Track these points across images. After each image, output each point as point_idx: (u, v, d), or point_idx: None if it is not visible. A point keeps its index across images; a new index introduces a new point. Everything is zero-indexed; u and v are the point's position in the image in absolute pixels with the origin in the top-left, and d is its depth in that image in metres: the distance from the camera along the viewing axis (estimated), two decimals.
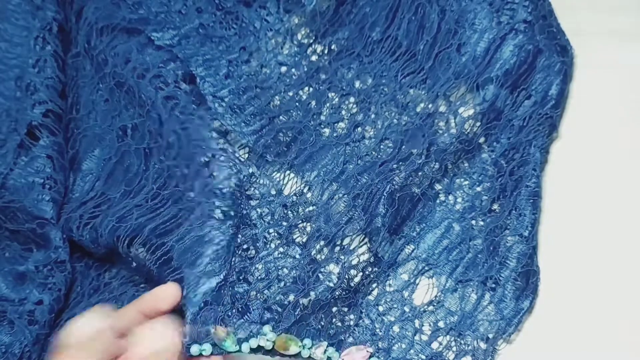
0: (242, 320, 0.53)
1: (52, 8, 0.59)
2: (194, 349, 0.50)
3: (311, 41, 0.63)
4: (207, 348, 0.51)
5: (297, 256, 0.56)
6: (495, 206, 0.58)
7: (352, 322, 0.55)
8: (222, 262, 0.53)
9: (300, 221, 0.57)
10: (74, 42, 0.62)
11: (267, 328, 0.52)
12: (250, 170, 0.59)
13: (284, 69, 0.63)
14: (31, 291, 0.54)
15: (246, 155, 0.60)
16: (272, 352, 0.52)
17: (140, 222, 0.55)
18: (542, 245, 0.57)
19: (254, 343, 0.52)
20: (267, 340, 0.52)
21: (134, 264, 0.57)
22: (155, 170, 0.57)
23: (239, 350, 0.52)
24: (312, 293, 0.54)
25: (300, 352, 0.52)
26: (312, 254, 0.56)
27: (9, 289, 0.55)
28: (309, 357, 0.53)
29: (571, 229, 0.58)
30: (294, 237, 0.57)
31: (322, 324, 0.54)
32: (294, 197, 0.58)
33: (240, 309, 0.53)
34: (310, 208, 0.58)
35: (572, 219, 0.58)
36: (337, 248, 0.56)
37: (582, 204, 0.59)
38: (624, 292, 0.56)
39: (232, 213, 0.55)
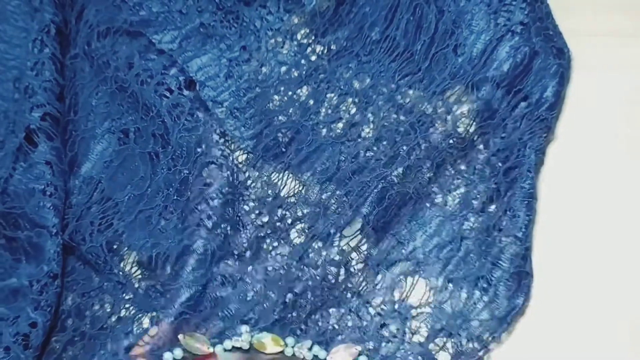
0: (221, 323, 0.54)
1: (50, 10, 0.59)
2: (167, 356, 0.53)
3: (311, 41, 0.63)
4: (178, 353, 0.53)
5: (290, 256, 0.56)
6: (488, 206, 0.58)
7: (341, 321, 0.55)
8: (204, 271, 0.55)
9: (295, 221, 0.58)
10: (72, 43, 0.62)
11: (244, 328, 0.53)
12: (248, 174, 0.59)
13: (283, 68, 0.63)
14: (24, 309, 0.54)
15: (244, 157, 0.60)
16: (251, 351, 0.53)
17: (181, 239, 0.56)
18: (537, 246, 0.57)
19: (228, 344, 0.53)
20: (242, 340, 0.53)
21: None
22: (164, 175, 0.58)
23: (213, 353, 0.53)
24: (296, 291, 0.55)
25: (283, 351, 0.53)
26: (304, 253, 0.56)
27: (2, 306, 0.55)
28: (293, 355, 0.53)
29: (567, 231, 0.58)
30: (289, 237, 0.57)
31: (309, 322, 0.55)
32: (290, 198, 0.59)
33: (219, 313, 0.55)
34: (305, 208, 0.58)
35: (568, 221, 0.59)
36: (327, 246, 0.56)
37: (579, 206, 0.59)
38: (618, 293, 0.56)
39: (221, 222, 0.56)
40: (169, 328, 0.53)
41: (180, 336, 0.53)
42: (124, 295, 0.57)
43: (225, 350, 0.53)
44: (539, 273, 0.56)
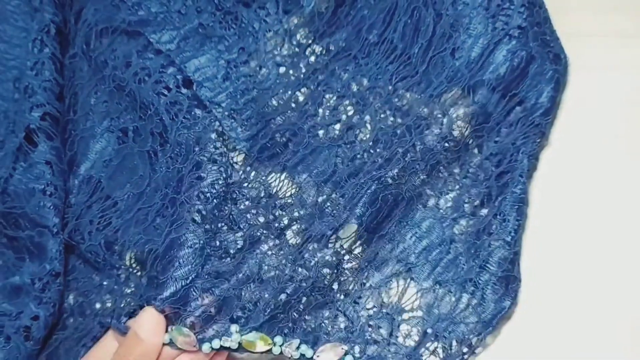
0: (210, 320, 0.54)
1: (50, 10, 0.59)
2: None
3: (309, 42, 0.63)
4: (165, 337, 0.52)
5: (282, 256, 0.57)
6: (479, 210, 0.58)
7: (328, 320, 0.56)
8: (191, 266, 0.55)
9: (290, 222, 0.58)
10: (71, 43, 0.62)
11: (234, 328, 0.53)
12: (244, 175, 0.59)
13: (282, 69, 0.63)
14: (27, 304, 0.55)
15: (241, 157, 0.60)
16: (240, 350, 0.53)
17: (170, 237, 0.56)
18: (528, 251, 0.58)
19: (216, 344, 0.53)
20: (232, 340, 0.53)
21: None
22: (163, 173, 0.58)
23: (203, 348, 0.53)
24: (286, 291, 0.55)
25: (271, 349, 0.54)
26: (296, 252, 0.57)
27: (5, 302, 0.56)
28: (280, 354, 0.54)
29: (566, 234, 0.59)
30: (283, 238, 0.58)
31: (296, 321, 0.55)
32: (286, 200, 0.59)
33: (210, 311, 0.54)
34: (300, 209, 0.59)
35: (568, 224, 0.59)
36: (318, 246, 0.57)
37: (579, 208, 0.59)
38: (611, 298, 0.57)
39: (210, 216, 0.56)
40: None
41: (169, 328, 0.53)
42: (126, 289, 0.58)
43: (212, 349, 0.53)
44: (533, 278, 0.57)
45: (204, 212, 0.56)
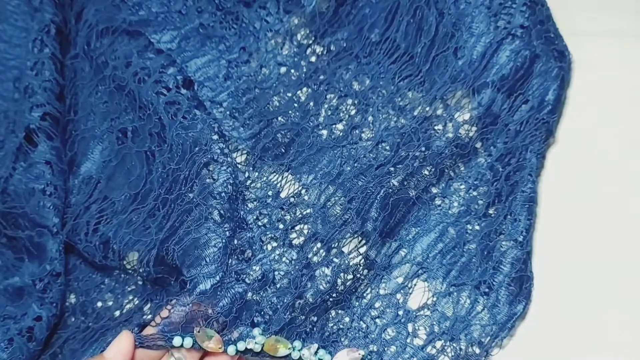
0: (235, 322, 0.53)
1: (50, 10, 0.59)
2: (177, 340, 0.50)
3: (310, 42, 0.63)
4: (188, 342, 0.51)
5: (293, 259, 0.56)
6: (490, 211, 0.58)
7: (345, 325, 0.56)
8: (218, 264, 0.54)
9: (296, 223, 0.58)
10: (72, 44, 0.62)
11: (256, 331, 0.53)
12: (247, 174, 0.59)
13: (283, 69, 0.63)
14: (30, 306, 0.55)
15: (244, 157, 0.60)
16: (261, 354, 0.52)
17: (159, 237, 0.56)
18: (537, 250, 0.58)
19: (241, 346, 0.52)
20: (256, 343, 0.52)
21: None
22: (159, 174, 0.58)
23: (226, 352, 0.52)
24: (305, 295, 0.55)
25: (290, 354, 0.53)
26: (309, 256, 0.56)
27: (9, 304, 0.55)
28: (299, 358, 0.53)
29: (566, 235, 0.58)
30: (291, 239, 0.57)
31: (314, 326, 0.55)
32: (291, 200, 0.59)
33: (235, 311, 0.53)
34: (307, 210, 0.58)
35: (568, 224, 0.59)
36: (333, 251, 0.57)
37: (578, 209, 0.59)
38: (617, 298, 0.56)
39: (228, 215, 0.56)
40: (182, 314, 0.52)
41: (196, 328, 0.51)
42: (127, 287, 0.58)
43: (237, 351, 0.52)
44: (540, 277, 0.56)
45: (222, 212, 0.56)
